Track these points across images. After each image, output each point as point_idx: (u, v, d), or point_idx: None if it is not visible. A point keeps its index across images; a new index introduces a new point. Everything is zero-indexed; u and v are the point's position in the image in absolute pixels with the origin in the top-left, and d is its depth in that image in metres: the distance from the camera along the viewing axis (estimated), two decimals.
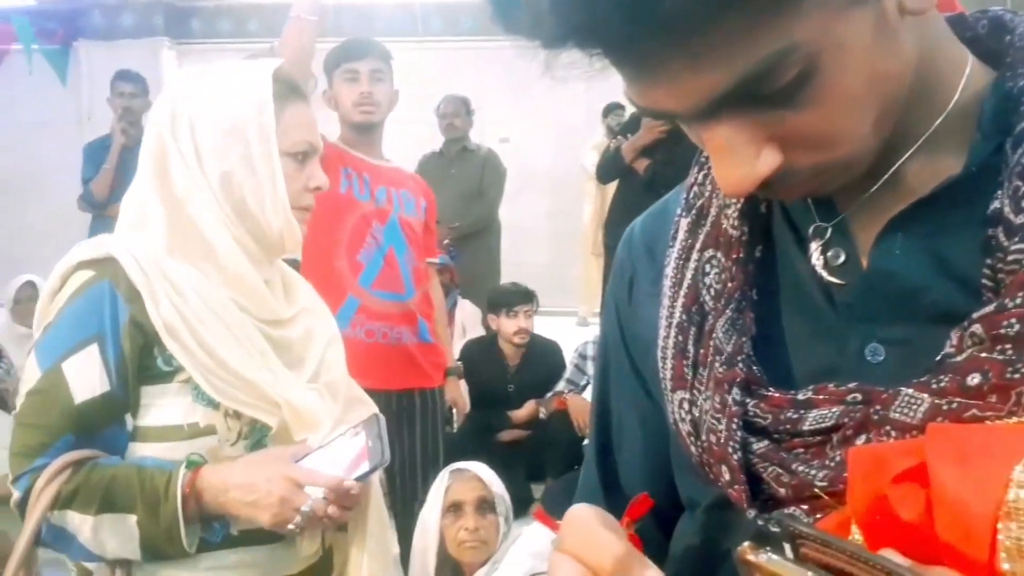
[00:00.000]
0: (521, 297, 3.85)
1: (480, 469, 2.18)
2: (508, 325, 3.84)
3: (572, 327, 6.40)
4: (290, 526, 1.16)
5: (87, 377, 1.15)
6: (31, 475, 1.14)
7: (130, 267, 1.17)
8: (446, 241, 4.20)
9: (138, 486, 1.14)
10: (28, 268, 5.07)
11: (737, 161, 0.52)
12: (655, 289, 0.71)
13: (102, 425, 1.17)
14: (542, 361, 3.88)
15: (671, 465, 0.73)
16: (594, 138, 6.75)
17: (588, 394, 3.69)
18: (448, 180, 4.47)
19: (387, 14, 7.26)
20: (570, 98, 6.92)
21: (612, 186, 6.64)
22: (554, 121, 6.97)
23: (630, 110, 6.35)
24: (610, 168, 4.45)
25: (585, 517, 0.49)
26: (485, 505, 2.12)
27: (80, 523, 1.15)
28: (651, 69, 0.49)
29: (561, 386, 3.70)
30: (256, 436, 1.24)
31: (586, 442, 2.89)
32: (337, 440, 1.22)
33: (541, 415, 3.67)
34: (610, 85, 0.59)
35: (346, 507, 1.20)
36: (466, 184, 4.83)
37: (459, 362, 3.42)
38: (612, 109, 6.54)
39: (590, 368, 3.69)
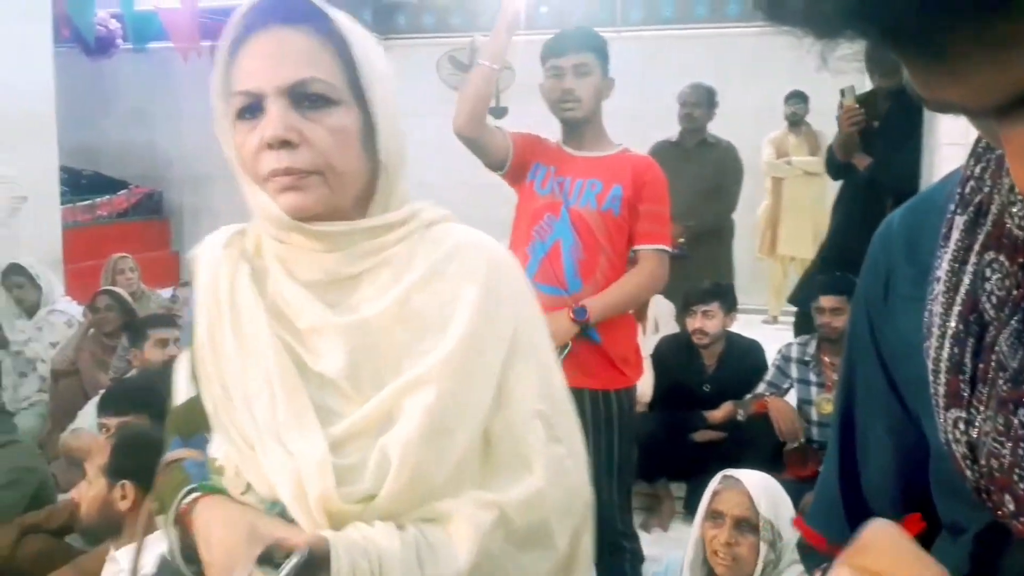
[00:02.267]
0: (699, 296, 3.71)
1: (753, 486, 2.06)
2: (689, 323, 3.74)
3: (759, 325, 6.18)
4: None
5: (181, 379, 1.13)
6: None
7: None
8: (680, 240, 4.12)
9: (171, 495, 1.07)
10: None
11: None
12: (917, 292, 0.64)
13: (191, 431, 1.12)
14: (741, 361, 3.74)
15: (926, 483, 0.67)
16: (771, 131, 6.50)
17: (790, 397, 3.54)
18: (683, 173, 4.22)
19: (585, 5, 7.25)
20: (768, 88, 6.68)
21: (784, 183, 6.43)
22: (754, 111, 6.75)
23: (814, 98, 6.08)
24: (831, 166, 4.26)
25: (898, 537, 0.45)
26: (745, 525, 2.03)
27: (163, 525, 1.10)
28: (947, 60, 0.43)
29: (761, 388, 3.55)
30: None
31: (788, 447, 2.78)
32: None
33: (739, 417, 3.55)
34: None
35: None
36: (703, 179, 4.65)
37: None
38: (791, 97, 6.27)
39: (793, 370, 3.53)
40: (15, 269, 4.50)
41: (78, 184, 8.19)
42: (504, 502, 1.00)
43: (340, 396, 1.01)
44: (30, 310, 4.55)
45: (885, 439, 0.72)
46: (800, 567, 1.97)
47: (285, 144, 0.97)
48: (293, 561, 0.92)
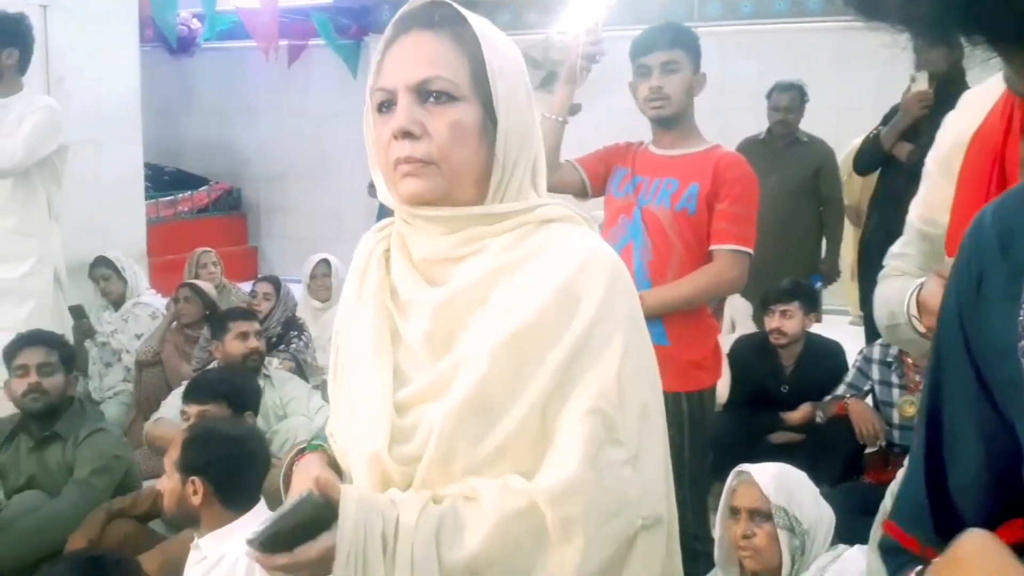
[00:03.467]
0: (777, 295, 3.65)
1: (763, 476, 2.08)
2: (767, 323, 3.68)
3: (845, 326, 6.03)
4: None
5: None
6: None
7: None
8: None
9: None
10: (326, 247, 5.49)
11: None
12: (1012, 290, 0.62)
13: None
14: (821, 362, 3.66)
15: (1018, 488, 0.64)
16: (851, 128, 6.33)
17: (871, 400, 3.46)
18: (772, 172, 4.14)
19: (661, 1, 7.17)
20: (854, 85, 6.52)
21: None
22: (836, 108, 6.60)
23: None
24: (868, 157, 4.15)
25: (993, 548, 0.43)
26: (759, 515, 2.06)
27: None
28: None
29: (841, 390, 3.47)
30: None
31: (869, 450, 2.72)
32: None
33: (818, 419, 3.48)
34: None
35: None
36: (793, 180, 4.59)
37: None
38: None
39: (874, 372, 3.44)
40: (102, 262, 4.64)
41: (161, 180, 8.42)
42: (535, 492, 1.00)
43: (416, 362, 1.10)
44: (116, 302, 4.68)
45: (975, 443, 0.70)
46: (832, 553, 1.98)
47: (408, 135, 1.07)
48: (294, 500, 0.99)
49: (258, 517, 2.17)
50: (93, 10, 4.72)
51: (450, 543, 0.98)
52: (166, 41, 8.27)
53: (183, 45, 8.60)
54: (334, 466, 1.17)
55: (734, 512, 2.12)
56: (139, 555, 2.37)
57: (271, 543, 0.96)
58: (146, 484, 3.23)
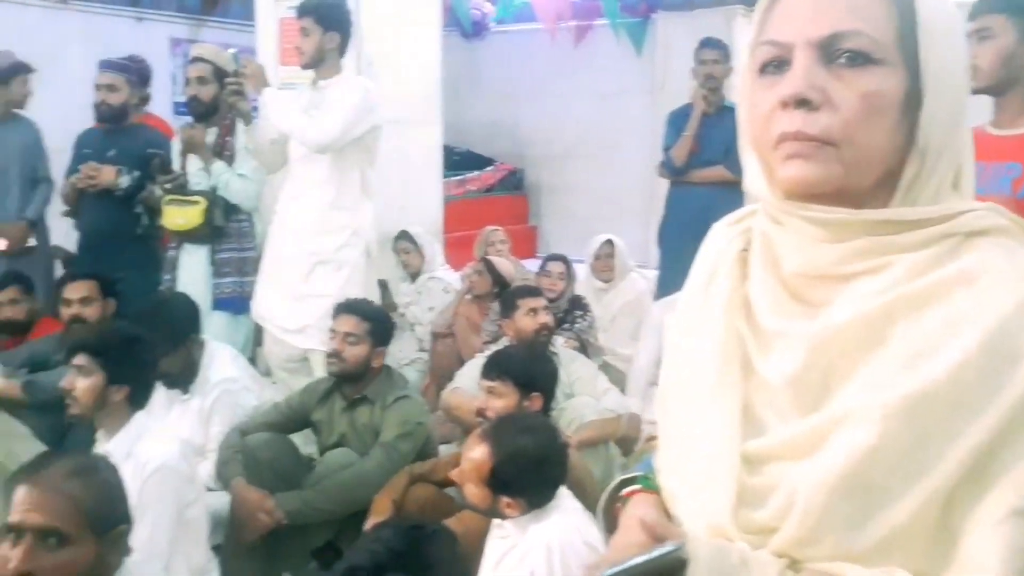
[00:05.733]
0: None
1: None
2: None
3: None
4: None
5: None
6: None
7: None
8: None
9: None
10: (605, 227, 5.49)
11: None
12: None
13: None
14: None
15: None
16: None
17: None
18: None
19: None
20: None
21: None
22: None
23: None
24: None
25: None
26: None
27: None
28: None
29: None
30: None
31: None
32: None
33: None
34: None
35: None
36: None
37: None
38: None
39: None
40: (405, 236, 4.90)
41: (451, 160, 8.80)
42: None
43: (777, 408, 0.87)
44: (413, 275, 4.94)
45: None
46: None
47: (803, 103, 0.82)
48: (661, 550, 0.84)
49: (561, 504, 2.20)
50: None
51: None
52: (460, 24, 8.62)
53: (476, 28, 8.93)
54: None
55: None
56: (436, 519, 2.45)
57: None
58: (442, 449, 3.37)
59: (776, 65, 0.86)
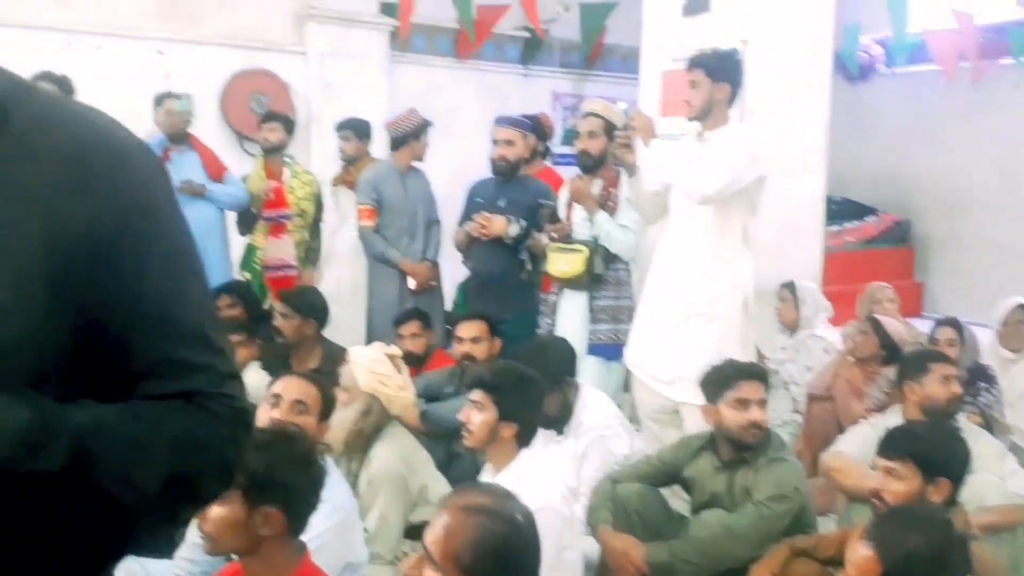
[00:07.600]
0: None
1: None
2: None
3: None
4: None
5: None
6: None
7: None
8: None
9: None
10: (1004, 288, 4.92)
11: None
12: None
13: None
14: None
15: None
16: None
17: None
18: None
19: None
20: None
21: None
22: None
23: None
24: None
25: None
26: None
27: None
28: None
29: None
30: None
31: None
32: None
33: None
34: None
35: None
36: None
37: None
38: None
39: None
40: (789, 286, 4.69)
41: (828, 210, 8.38)
42: None
43: None
44: (788, 327, 4.72)
45: None
46: None
47: None
48: None
49: None
50: (791, 45, 4.81)
51: None
52: (845, 68, 8.22)
53: (863, 71, 8.47)
54: None
55: None
56: None
57: None
58: (819, 521, 3.14)
59: None
